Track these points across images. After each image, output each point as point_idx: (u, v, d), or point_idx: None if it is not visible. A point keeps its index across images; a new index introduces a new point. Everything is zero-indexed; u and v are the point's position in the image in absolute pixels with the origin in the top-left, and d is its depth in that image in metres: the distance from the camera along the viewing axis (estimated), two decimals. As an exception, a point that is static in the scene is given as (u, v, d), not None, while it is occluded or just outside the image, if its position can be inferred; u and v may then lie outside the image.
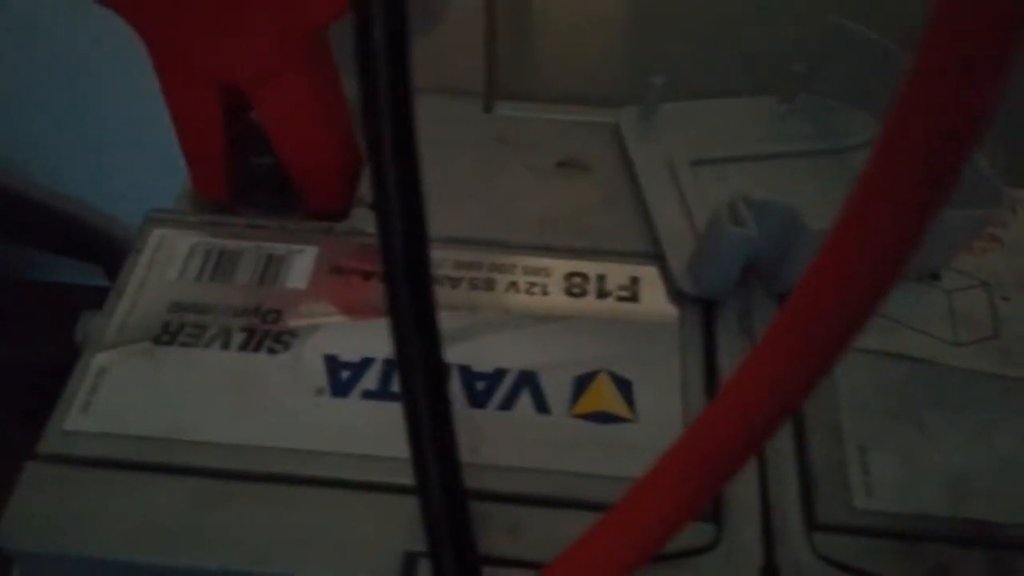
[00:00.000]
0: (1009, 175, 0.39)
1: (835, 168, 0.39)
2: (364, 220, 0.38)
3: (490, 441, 0.31)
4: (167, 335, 0.34)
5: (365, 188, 0.39)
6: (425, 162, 0.41)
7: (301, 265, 0.36)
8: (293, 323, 0.34)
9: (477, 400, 0.32)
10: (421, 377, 0.24)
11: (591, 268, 0.36)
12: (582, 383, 0.33)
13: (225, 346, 0.34)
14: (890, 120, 0.15)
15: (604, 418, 0.32)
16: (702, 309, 0.35)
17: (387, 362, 0.33)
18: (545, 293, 0.36)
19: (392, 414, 0.28)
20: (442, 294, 0.35)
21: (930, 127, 0.14)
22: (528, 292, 0.36)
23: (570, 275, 0.36)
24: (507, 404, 0.32)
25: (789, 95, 0.41)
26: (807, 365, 0.17)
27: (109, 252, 0.66)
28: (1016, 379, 0.33)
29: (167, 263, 0.36)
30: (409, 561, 0.29)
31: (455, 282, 0.36)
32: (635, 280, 0.36)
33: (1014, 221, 0.38)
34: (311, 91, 0.36)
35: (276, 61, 0.34)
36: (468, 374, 0.33)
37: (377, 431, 0.31)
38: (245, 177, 0.42)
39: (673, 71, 0.46)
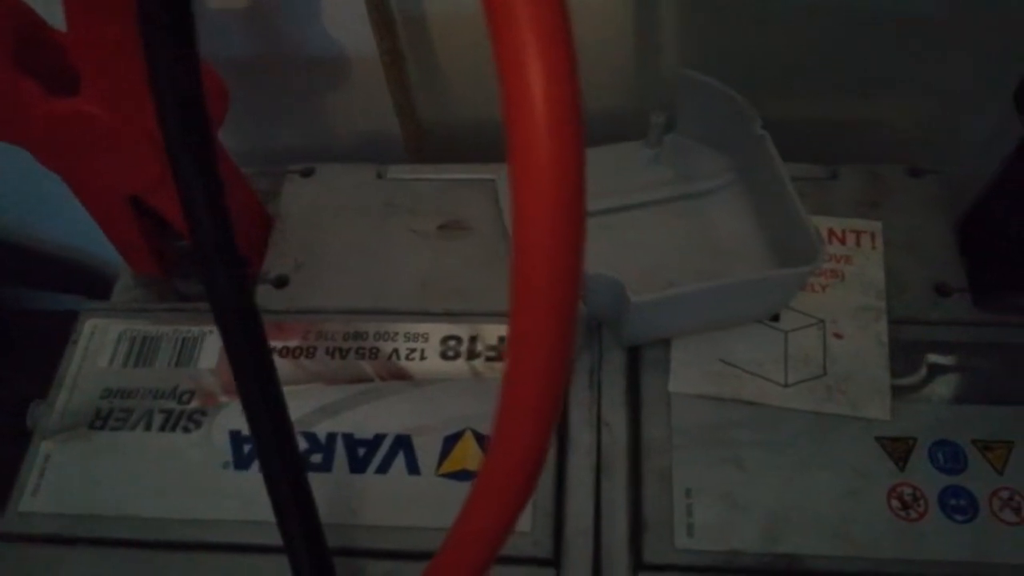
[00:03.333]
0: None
1: (693, 213, 0.42)
2: (266, 298, 0.43)
3: (367, 504, 0.37)
4: (100, 420, 0.40)
5: (268, 263, 0.44)
6: (322, 232, 0.45)
7: (211, 346, 0.41)
8: (203, 402, 0.40)
9: (358, 466, 0.38)
10: (279, 466, 0.29)
11: (465, 331, 0.41)
12: (449, 443, 0.38)
13: (148, 427, 0.39)
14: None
15: (466, 476, 0.37)
16: (559, 365, 0.39)
17: (282, 435, 0.38)
18: (423, 358, 0.40)
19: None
20: (331, 365, 0.40)
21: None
22: (408, 358, 0.40)
23: (446, 339, 0.41)
24: (384, 468, 0.37)
25: (656, 141, 0.44)
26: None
27: (87, 281, 0.73)
28: (833, 415, 0.37)
29: (98, 351, 0.42)
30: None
31: (344, 353, 0.41)
32: (502, 339, 0.40)
33: (857, 254, 0.41)
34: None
35: (161, 170, 0.39)
36: (351, 441, 0.38)
37: (273, 499, 0.37)
38: (173, 254, 0.47)
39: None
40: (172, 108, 0.24)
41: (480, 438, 0.38)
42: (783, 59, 0.48)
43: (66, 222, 0.72)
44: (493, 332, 0.41)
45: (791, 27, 0.46)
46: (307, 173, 0.47)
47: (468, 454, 0.37)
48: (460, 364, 0.40)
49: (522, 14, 0.15)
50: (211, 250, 0.26)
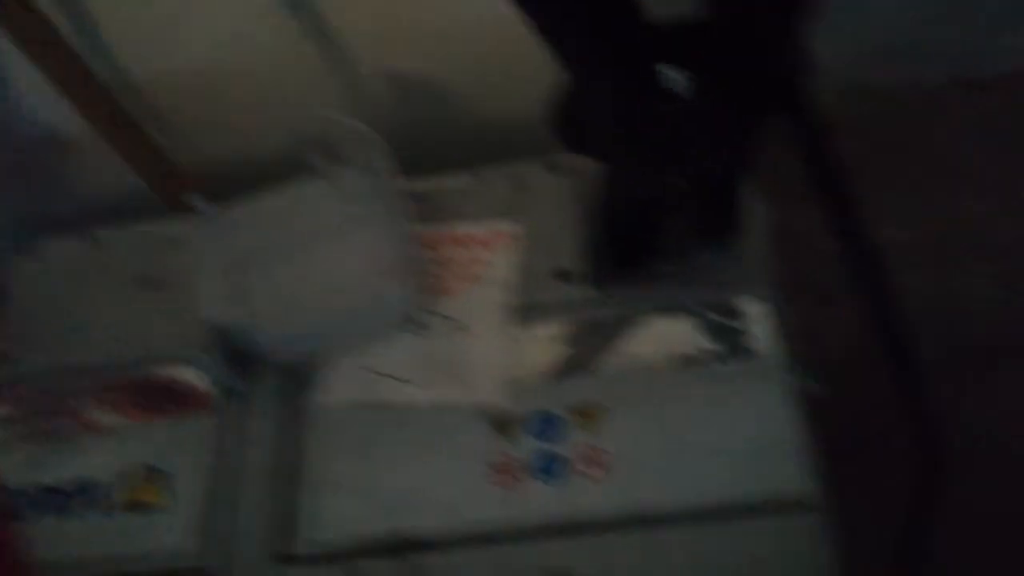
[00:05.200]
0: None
1: (336, 243, 0.46)
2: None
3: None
4: None
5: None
6: (42, 304, 0.49)
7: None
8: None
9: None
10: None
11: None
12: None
13: None
14: None
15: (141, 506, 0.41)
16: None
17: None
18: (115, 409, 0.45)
19: None
20: (36, 426, 0.45)
21: None
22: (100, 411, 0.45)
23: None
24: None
25: (335, 177, 0.48)
26: None
27: None
28: (456, 404, 0.41)
29: None
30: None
31: (45, 414, 0.45)
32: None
33: (495, 255, 0.45)
34: None
35: None
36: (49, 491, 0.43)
37: None
38: None
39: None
40: None
41: (154, 472, 0.42)
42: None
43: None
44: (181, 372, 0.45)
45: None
46: (27, 251, 0.52)
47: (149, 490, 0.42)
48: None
49: None
50: None
